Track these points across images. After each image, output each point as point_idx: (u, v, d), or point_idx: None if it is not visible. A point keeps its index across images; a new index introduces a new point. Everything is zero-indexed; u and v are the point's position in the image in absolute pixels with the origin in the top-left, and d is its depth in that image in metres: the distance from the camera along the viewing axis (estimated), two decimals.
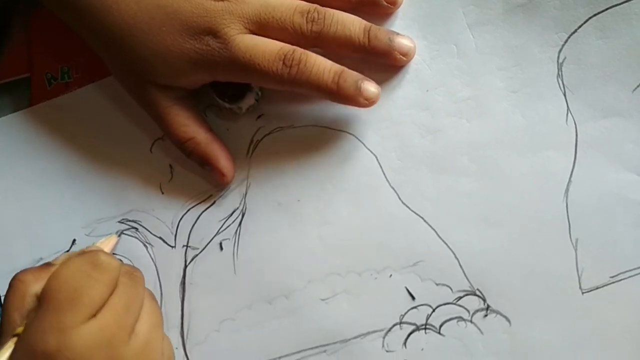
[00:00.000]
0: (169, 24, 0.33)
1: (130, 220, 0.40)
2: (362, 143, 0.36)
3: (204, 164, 0.37)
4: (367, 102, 0.33)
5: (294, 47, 0.33)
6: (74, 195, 0.41)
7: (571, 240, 0.32)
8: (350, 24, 0.33)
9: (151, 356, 0.31)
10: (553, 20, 0.33)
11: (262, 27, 0.33)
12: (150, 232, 0.39)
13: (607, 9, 0.32)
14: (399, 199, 0.35)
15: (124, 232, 0.40)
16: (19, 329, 0.30)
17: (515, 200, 0.33)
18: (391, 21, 0.35)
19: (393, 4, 0.34)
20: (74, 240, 0.40)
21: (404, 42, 0.34)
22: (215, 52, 0.33)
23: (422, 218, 0.34)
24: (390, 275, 0.34)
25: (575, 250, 0.32)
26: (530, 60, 0.33)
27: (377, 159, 0.35)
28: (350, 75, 0.32)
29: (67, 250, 0.40)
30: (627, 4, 0.31)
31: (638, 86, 0.31)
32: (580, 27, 0.32)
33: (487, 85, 0.34)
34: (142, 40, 0.34)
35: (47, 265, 0.32)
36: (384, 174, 0.35)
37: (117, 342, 0.30)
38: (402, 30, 0.35)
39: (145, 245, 0.39)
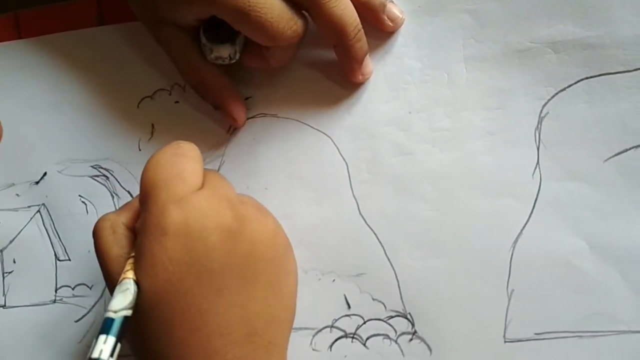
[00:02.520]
0: None
1: (102, 168, 0.41)
2: (337, 148, 0.36)
3: (216, 107, 0.37)
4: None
5: (300, 11, 0.33)
6: (56, 130, 0.42)
7: (507, 289, 0.32)
8: None
9: (266, 217, 0.32)
10: (545, 73, 0.33)
11: None
12: (120, 184, 0.40)
13: (599, 75, 0.32)
14: (358, 209, 0.35)
15: (95, 177, 0.41)
16: (133, 252, 0.29)
17: (465, 238, 0.33)
18: (392, 36, 0.36)
19: (393, 20, 0.35)
20: (45, 174, 0.41)
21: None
22: None
23: (375, 233, 0.35)
24: (334, 280, 0.35)
25: (509, 299, 0.32)
26: (514, 107, 0.33)
27: (347, 167, 0.36)
28: None
29: (37, 182, 0.41)
30: (619, 75, 0.32)
31: (610, 158, 0.32)
32: (569, 86, 0.32)
33: (468, 121, 0.34)
34: None
35: (124, 204, 0.33)
36: (350, 182, 0.36)
37: (233, 200, 0.30)
38: (400, 47, 0.35)
39: (112, 195, 0.40)
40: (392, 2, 0.35)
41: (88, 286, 0.41)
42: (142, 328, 0.28)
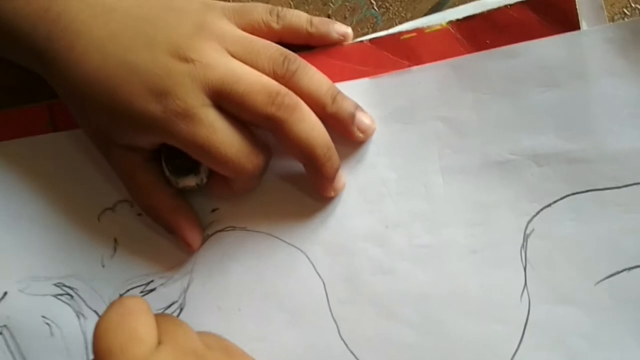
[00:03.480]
0: (130, 81, 0.31)
1: (66, 286, 0.38)
2: (312, 264, 0.34)
3: (169, 231, 0.35)
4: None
5: (262, 143, 0.32)
6: (14, 245, 0.39)
7: None
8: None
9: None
10: (528, 187, 0.31)
11: (222, 98, 0.31)
12: (85, 303, 0.38)
13: (587, 191, 0.30)
14: (338, 332, 0.33)
15: (58, 296, 0.38)
16: None
17: None
18: (364, 144, 0.33)
19: (364, 132, 0.32)
20: (5, 293, 0.39)
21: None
22: (171, 119, 0.30)
23: (357, 359, 0.33)
24: None
25: None
26: (497, 224, 0.31)
27: (324, 286, 0.34)
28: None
29: None
30: (608, 191, 0.29)
31: (602, 280, 0.30)
32: (555, 202, 0.30)
33: (449, 238, 0.32)
34: (102, 97, 0.32)
35: None
36: (329, 302, 0.34)
37: (199, 353, 0.28)
38: (372, 156, 0.33)
39: (77, 316, 0.38)
40: (361, 110, 0.33)
41: None
42: None
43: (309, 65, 0.32)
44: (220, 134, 0.30)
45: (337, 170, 0.32)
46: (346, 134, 0.33)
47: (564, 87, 0.30)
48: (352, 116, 0.32)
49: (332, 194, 0.33)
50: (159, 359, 0.27)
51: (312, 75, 0.32)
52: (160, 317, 0.29)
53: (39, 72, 0.35)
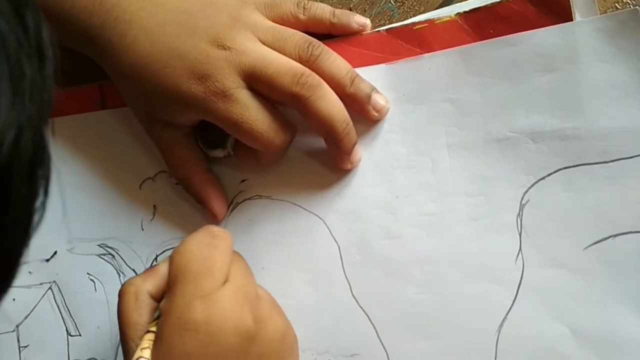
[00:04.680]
0: (174, 65, 0.35)
1: (109, 247, 0.43)
2: (329, 230, 0.38)
3: (199, 201, 0.39)
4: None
5: (288, 121, 0.35)
6: (65, 211, 0.44)
7: None
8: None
9: (278, 315, 0.34)
10: (525, 162, 0.34)
11: (254, 80, 0.34)
12: (125, 263, 0.42)
13: (578, 165, 0.33)
14: (351, 291, 0.37)
15: (101, 256, 0.43)
16: (151, 326, 0.31)
17: (453, 320, 0.35)
18: (379, 123, 0.37)
19: (379, 111, 0.36)
20: (55, 252, 0.43)
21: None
22: (210, 99, 0.34)
23: (367, 315, 0.36)
24: None
25: None
26: (496, 194, 0.34)
27: (339, 249, 0.37)
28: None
29: (47, 260, 0.43)
30: (597, 165, 0.33)
31: (590, 245, 0.33)
32: (549, 175, 0.34)
33: (452, 206, 0.35)
34: (149, 79, 0.36)
35: (151, 268, 0.35)
36: (343, 264, 0.37)
37: (252, 299, 0.32)
38: (386, 134, 0.37)
39: (118, 274, 0.42)
40: (377, 91, 0.36)
41: None
42: None
43: (330, 50, 0.36)
44: (253, 112, 0.34)
45: (354, 144, 0.36)
46: (363, 112, 0.36)
47: (559, 72, 0.33)
48: (369, 97, 0.36)
49: (349, 166, 0.37)
50: (221, 295, 0.31)
51: (334, 60, 0.36)
52: (235, 256, 0.34)
53: (92, 56, 0.39)
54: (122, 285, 0.34)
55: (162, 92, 0.35)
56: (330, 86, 0.35)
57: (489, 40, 0.35)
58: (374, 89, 0.36)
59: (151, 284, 0.33)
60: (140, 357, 0.30)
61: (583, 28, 0.33)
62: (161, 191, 0.42)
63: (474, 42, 0.35)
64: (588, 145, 0.33)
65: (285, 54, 0.35)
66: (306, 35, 0.36)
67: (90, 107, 0.44)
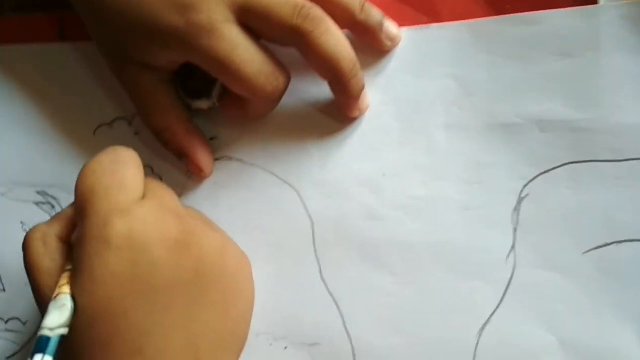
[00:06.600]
0: None
1: (49, 195, 0.37)
2: (304, 204, 0.34)
3: (181, 155, 0.34)
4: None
5: (283, 66, 0.31)
6: (4, 148, 0.38)
7: None
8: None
9: (213, 231, 0.30)
10: (529, 152, 0.31)
11: (247, 12, 0.30)
12: None
13: (587, 161, 0.30)
14: (320, 273, 0.33)
15: (40, 204, 0.38)
16: (67, 265, 0.27)
17: (431, 318, 0.31)
18: (373, 94, 0.33)
19: (392, 40, 0.33)
20: None
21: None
22: (193, 33, 0.30)
23: (335, 301, 0.32)
24: (286, 347, 0.33)
25: None
26: (493, 184, 0.31)
27: (313, 226, 0.33)
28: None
29: None
30: (608, 163, 0.30)
31: (590, 250, 0.30)
32: (554, 168, 0.31)
33: (443, 192, 0.32)
34: (124, 8, 0.31)
35: (54, 216, 0.30)
36: (314, 242, 0.33)
37: (178, 212, 0.28)
38: (379, 105, 0.33)
39: None
40: (388, 19, 0.33)
41: (22, 321, 0.37)
42: (77, 349, 0.26)
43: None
44: (242, 51, 0.30)
45: (362, 87, 0.32)
46: (374, 42, 0.32)
47: (577, 58, 0.30)
48: (381, 24, 0.32)
49: (357, 113, 0.33)
50: (142, 209, 0.27)
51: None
52: (148, 178, 0.29)
53: None
54: (27, 233, 0.29)
55: (138, 24, 0.31)
56: (336, 14, 0.31)
57: (504, 16, 0.32)
58: (384, 16, 0.32)
59: (59, 228, 0.29)
60: (60, 293, 0.26)
61: (607, 13, 0.30)
62: (117, 140, 0.36)
63: (487, 17, 0.32)
64: (600, 140, 0.30)
65: None
66: None
67: (48, 39, 0.39)
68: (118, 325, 0.26)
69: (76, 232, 0.27)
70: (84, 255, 0.26)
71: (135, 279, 0.26)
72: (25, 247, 0.29)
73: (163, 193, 0.29)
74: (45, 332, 0.25)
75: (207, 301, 0.28)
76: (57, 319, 0.25)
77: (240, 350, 0.30)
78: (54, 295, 0.26)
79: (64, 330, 0.25)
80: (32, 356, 0.25)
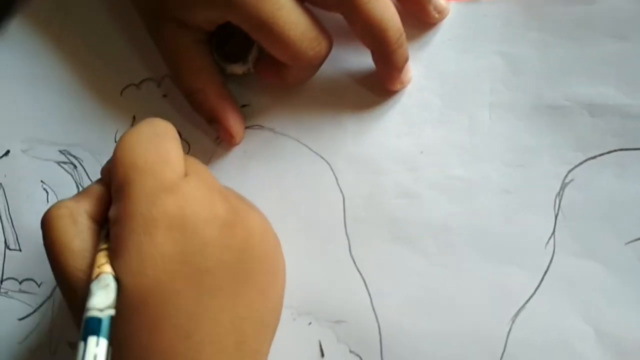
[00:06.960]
0: None
1: (71, 155, 0.36)
2: (336, 177, 0.33)
3: (212, 120, 0.33)
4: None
5: (326, 31, 0.30)
6: (26, 104, 0.37)
7: None
8: None
9: (254, 210, 0.29)
10: (576, 136, 0.30)
11: None
12: (88, 176, 0.36)
13: (637, 149, 0.29)
14: (349, 250, 0.32)
15: (61, 163, 0.37)
16: (102, 244, 0.25)
17: (462, 302, 0.30)
18: (416, 67, 0.32)
19: (440, 12, 0.32)
20: (7, 151, 0.37)
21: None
22: None
23: (363, 279, 0.32)
24: (310, 323, 0.32)
25: None
26: (537, 167, 0.30)
27: (344, 201, 0.32)
28: None
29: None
30: None
31: (633, 241, 0.29)
32: (601, 155, 0.29)
33: (484, 173, 0.31)
34: None
35: (80, 192, 0.28)
36: (345, 218, 0.32)
37: (221, 190, 0.27)
38: (421, 79, 0.32)
39: (77, 187, 0.36)
40: None
41: (37, 283, 0.36)
42: (121, 333, 0.24)
43: None
44: (286, 12, 0.29)
45: (407, 60, 0.31)
46: (421, 13, 0.31)
47: (633, 42, 0.29)
48: None
49: (399, 86, 0.32)
50: (189, 186, 0.26)
51: None
52: (186, 155, 0.28)
53: None
54: (49, 210, 0.27)
55: None
56: None
57: None
58: None
59: (89, 205, 0.27)
60: (102, 273, 0.24)
61: None
62: (145, 101, 0.36)
63: None
64: None
65: None
66: None
67: None
68: (167, 308, 0.24)
69: (113, 209, 0.26)
70: (130, 234, 0.24)
71: (185, 260, 0.25)
72: (51, 225, 0.26)
73: (203, 171, 0.28)
74: (94, 312, 0.23)
75: (251, 282, 0.27)
76: (104, 299, 0.24)
77: (276, 328, 0.29)
78: (95, 274, 0.24)
79: (113, 311, 0.24)
80: (85, 339, 0.23)
